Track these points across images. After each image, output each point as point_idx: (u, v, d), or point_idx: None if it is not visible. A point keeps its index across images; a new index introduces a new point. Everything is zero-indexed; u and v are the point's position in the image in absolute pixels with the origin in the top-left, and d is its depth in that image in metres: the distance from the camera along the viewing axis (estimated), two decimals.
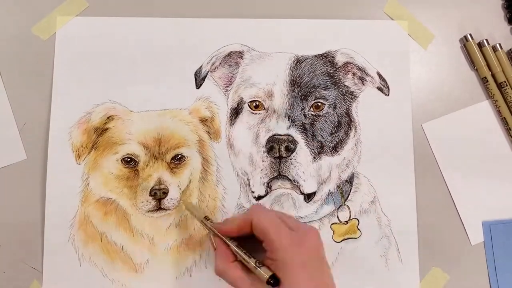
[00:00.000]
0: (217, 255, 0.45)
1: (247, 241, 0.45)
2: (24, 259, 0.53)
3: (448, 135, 0.57)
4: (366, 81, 0.56)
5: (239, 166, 0.55)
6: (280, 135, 0.52)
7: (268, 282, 0.41)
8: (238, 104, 0.55)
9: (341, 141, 0.55)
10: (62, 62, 0.56)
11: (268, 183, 0.53)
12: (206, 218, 0.48)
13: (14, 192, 0.54)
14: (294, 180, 0.52)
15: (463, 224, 0.55)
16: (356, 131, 0.56)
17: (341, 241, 0.54)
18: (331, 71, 0.56)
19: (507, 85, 0.57)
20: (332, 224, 0.54)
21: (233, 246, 0.45)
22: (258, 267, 0.42)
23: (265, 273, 0.41)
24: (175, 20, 0.57)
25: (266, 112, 0.54)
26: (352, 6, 0.59)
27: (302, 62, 0.56)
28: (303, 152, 0.52)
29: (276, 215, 0.45)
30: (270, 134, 0.53)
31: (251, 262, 0.43)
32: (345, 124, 0.55)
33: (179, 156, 0.54)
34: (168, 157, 0.54)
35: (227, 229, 0.46)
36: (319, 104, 0.54)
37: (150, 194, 0.52)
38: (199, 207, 0.53)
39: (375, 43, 0.57)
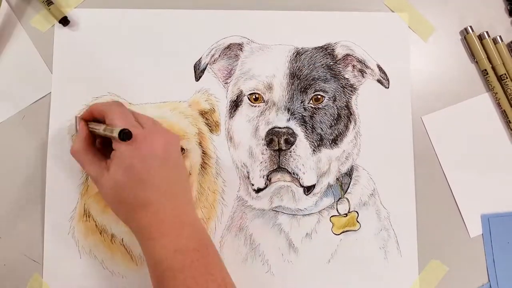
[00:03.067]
0: (78, 136, 0.48)
1: None
2: (25, 252, 0.53)
3: (447, 127, 0.57)
4: (366, 73, 0.56)
5: (238, 158, 0.55)
6: (280, 127, 0.52)
7: (119, 136, 0.42)
8: (237, 96, 0.55)
9: (341, 133, 0.55)
10: (61, 54, 0.56)
11: (267, 176, 0.53)
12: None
13: (14, 184, 0.54)
14: (293, 172, 0.52)
15: (462, 217, 0.55)
16: (355, 124, 0.55)
17: (341, 233, 0.54)
18: (331, 63, 0.55)
19: (507, 78, 0.56)
20: (331, 216, 0.55)
21: (100, 126, 0.46)
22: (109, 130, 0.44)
23: (117, 131, 0.43)
24: (174, 12, 0.57)
25: (266, 105, 0.54)
26: None
27: (302, 54, 0.56)
28: (302, 144, 0.52)
29: (129, 110, 0.48)
30: (270, 126, 0.52)
31: (113, 129, 0.44)
32: (344, 117, 0.55)
33: None
34: None
35: (83, 115, 0.49)
36: (319, 96, 0.54)
37: None
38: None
39: (375, 35, 0.57)
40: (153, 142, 0.45)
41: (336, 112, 0.55)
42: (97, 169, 0.46)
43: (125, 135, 0.42)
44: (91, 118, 0.49)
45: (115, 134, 0.43)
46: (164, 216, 0.44)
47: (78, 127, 0.49)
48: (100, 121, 0.48)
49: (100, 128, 0.46)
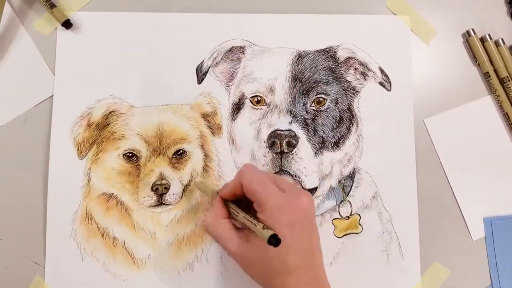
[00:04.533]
0: (210, 209, 0.46)
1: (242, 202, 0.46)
2: (27, 254, 0.53)
3: (450, 130, 0.57)
4: (368, 76, 0.56)
5: (240, 161, 0.55)
6: (282, 130, 0.52)
7: (269, 242, 0.39)
8: (239, 99, 0.55)
9: (343, 136, 0.55)
10: (63, 57, 0.56)
11: None
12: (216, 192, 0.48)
13: (16, 187, 0.54)
14: (295, 175, 0.52)
15: (464, 220, 0.55)
16: (357, 127, 0.55)
17: (343, 236, 0.54)
18: (333, 66, 0.56)
19: (509, 80, 0.56)
20: (333, 219, 0.54)
21: (240, 212, 0.45)
22: (265, 228, 0.41)
23: (267, 233, 0.40)
24: (176, 15, 0.57)
25: (268, 108, 0.54)
26: (354, 1, 0.58)
27: (304, 57, 0.56)
28: (304, 147, 0.52)
29: (267, 176, 0.45)
30: (272, 129, 0.52)
31: (256, 224, 0.42)
32: (346, 120, 0.55)
33: (181, 151, 0.54)
34: (170, 152, 0.54)
35: (222, 194, 0.47)
36: (321, 99, 0.54)
37: (152, 189, 0.53)
38: (208, 183, 0.53)
39: (377, 38, 0.57)
40: (297, 207, 0.43)
41: (338, 115, 0.55)
42: (236, 241, 0.44)
43: (276, 241, 0.39)
44: (231, 197, 0.47)
45: (264, 236, 0.40)
46: (308, 282, 0.43)
47: (215, 203, 0.46)
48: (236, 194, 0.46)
49: (240, 215, 0.44)
